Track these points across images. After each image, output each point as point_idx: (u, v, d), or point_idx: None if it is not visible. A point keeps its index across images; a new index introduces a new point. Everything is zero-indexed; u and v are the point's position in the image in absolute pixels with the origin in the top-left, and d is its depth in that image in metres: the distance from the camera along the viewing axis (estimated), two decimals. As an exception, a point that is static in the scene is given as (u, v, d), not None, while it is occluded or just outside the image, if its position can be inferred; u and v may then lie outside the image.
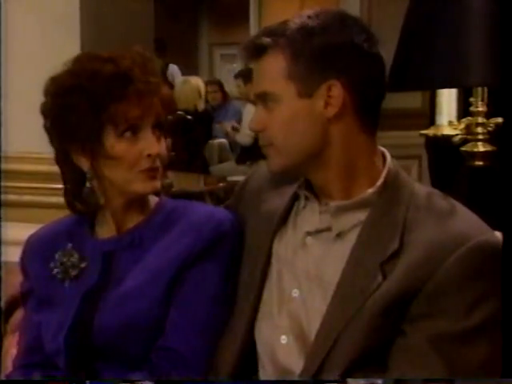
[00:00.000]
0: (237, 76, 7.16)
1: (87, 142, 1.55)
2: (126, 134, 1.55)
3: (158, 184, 1.59)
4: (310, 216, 1.55)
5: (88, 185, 1.60)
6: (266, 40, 1.49)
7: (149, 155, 1.56)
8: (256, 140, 1.61)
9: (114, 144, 1.55)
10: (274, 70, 1.49)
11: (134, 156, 1.56)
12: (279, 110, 1.49)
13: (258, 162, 1.77)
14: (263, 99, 1.51)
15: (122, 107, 1.53)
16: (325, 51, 1.46)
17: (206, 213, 1.64)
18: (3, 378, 1.71)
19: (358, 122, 1.49)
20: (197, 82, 6.67)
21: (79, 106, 1.54)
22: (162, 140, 1.60)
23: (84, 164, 1.59)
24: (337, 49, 1.47)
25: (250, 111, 6.48)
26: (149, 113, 1.56)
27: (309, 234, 1.53)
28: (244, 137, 6.46)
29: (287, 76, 1.47)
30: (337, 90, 1.46)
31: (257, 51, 1.51)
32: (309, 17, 1.49)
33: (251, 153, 5.88)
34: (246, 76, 6.93)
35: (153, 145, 1.57)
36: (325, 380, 1.42)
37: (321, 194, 1.54)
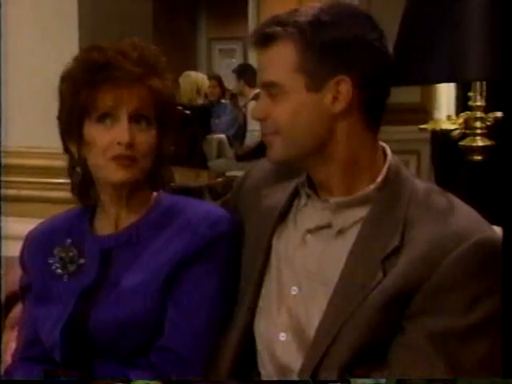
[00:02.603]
0: (235, 71, 7.11)
1: (71, 128, 1.59)
2: (107, 121, 1.56)
3: (129, 174, 1.57)
4: (310, 213, 1.54)
5: (78, 170, 1.62)
6: (277, 29, 1.47)
7: (119, 143, 1.55)
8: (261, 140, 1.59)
9: (90, 130, 1.57)
10: (282, 60, 1.47)
11: (105, 143, 1.56)
12: (286, 101, 1.47)
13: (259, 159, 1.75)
14: (268, 88, 1.49)
15: (93, 94, 1.55)
16: (336, 45, 1.45)
17: (204, 211, 1.63)
18: (3, 371, 1.72)
19: (363, 119, 1.49)
20: (197, 77, 6.50)
21: (65, 92, 1.59)
22: (144, 131, 1.57)
23: (73, 150, 1.62)
24: (348, 44, 1.45)
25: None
26: (125, 102, 1.55)
27: (309, 231, 1.53)
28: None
29: (296, 69, 1.46)
30: (346, 86, 1.45)
31: (265, 39, 1.48)
32: (321, 9, 1.47)
33: (255, 152, 5.79)
34: (243, 72, 6.90)
35: (125, 133, 1.55)
36: (327, 380, 1.42)
37: (321, 189, 1.53)
